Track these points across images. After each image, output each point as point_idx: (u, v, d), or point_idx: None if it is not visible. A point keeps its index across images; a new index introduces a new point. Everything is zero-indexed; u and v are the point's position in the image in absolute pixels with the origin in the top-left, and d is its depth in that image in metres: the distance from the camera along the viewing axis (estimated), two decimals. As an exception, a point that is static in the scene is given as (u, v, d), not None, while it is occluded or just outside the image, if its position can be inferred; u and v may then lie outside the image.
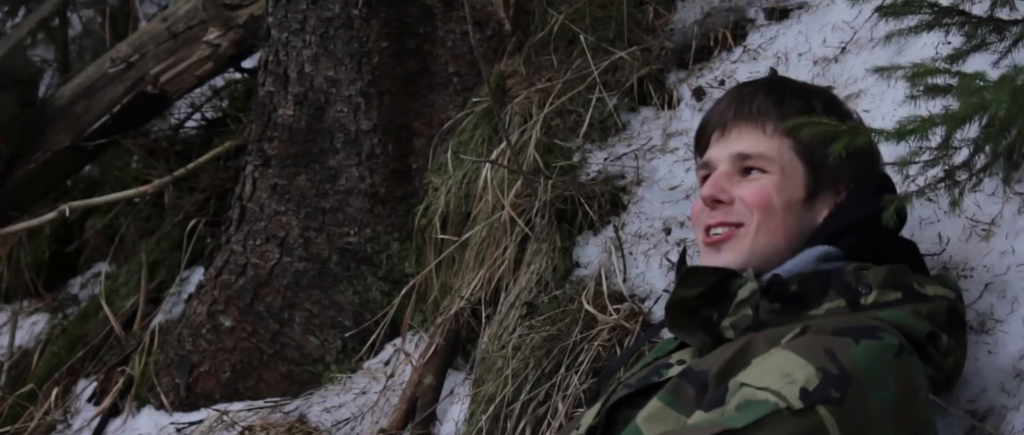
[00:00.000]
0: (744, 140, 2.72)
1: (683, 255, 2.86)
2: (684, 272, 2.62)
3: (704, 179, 2.77)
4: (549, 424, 3.33)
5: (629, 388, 2.59)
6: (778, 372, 2.28)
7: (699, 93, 3.82)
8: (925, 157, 2.45)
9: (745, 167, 2.70)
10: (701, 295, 2.60)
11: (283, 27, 4.28)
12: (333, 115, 4.23)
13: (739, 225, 2.66)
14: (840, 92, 3.44)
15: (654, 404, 2.46)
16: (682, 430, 2.26)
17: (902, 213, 2.70)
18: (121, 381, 4.66)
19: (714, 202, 2.69)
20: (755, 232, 2.65)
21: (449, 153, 4.05)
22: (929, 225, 3.02)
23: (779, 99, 2.73)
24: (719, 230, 2.68)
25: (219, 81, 5.62)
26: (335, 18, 4.18)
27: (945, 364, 2.52)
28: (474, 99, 4.13)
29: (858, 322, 2.42)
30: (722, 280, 2.60)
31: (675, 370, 2.56)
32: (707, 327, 2.61)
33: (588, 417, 2.64)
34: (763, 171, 2.68)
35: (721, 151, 2.75)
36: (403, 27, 4.20)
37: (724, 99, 2.83)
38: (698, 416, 2.32)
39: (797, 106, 2.69)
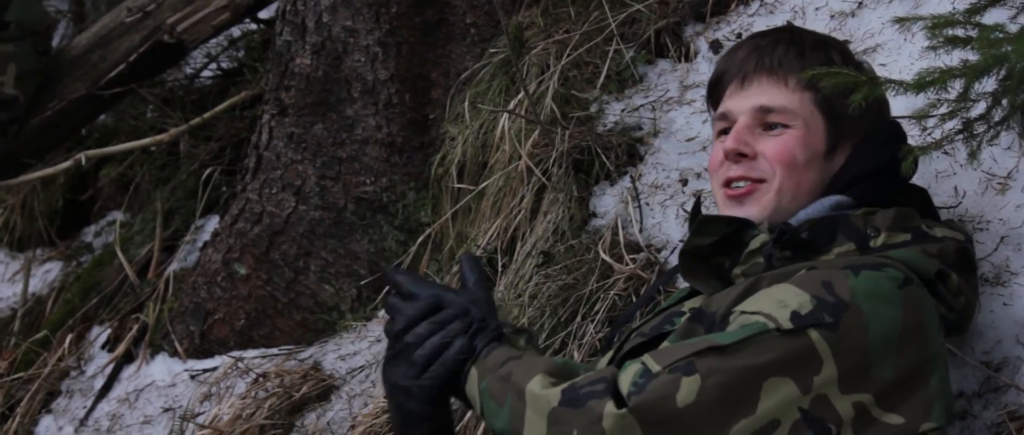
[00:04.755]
0: (766, 93, 2.68)
1: (697, 204, 2.84)
2: (700, 220, 2.61)
3: (721, 131, 2.75)
4: (564, 372, 3.35)
5: (643, 337, 2.59)
6: (773, 299, 2.30)
7: (716, 46, 3.82)
8: (943, 109, 2.46)
9: (767, 121, 2.67)
10: (714, 243, 2.61)
11: (301, -24, 4.30)
12: (350, 64, 4.24)
13: (761, 181, 2.65)
14: (857, 46, 3.44)
15: (663, 345, 2.48)
16: (670, 348, 2.26)
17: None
18: (135, 328, 4.69)
19: (737, 156, 2.66)
20: (778, 188, 2.63)
21: (466, 103, 4.07)
22: (945, 178, 3.03)
23: (800, 51, 2.69)
24: (741, 184, 2.66)
25: (236, 31, 5.63)
26: (353, -32, 4.20)
27: (956, 304, 2.53)
28: (492, 50, 4.14)
29: (863, 260, 2.42)
30: (736, 229, 2.61)
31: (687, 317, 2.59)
32: (719, 274, 2.62)
33: (601, 365, 2.66)
34: (786, 126, 2.65)
35: (741, 103, 2.71)
36: (421, -23, 4.21)
37: (741, 50, 2.78)
38: None
39: (818, 58, 2.65)
